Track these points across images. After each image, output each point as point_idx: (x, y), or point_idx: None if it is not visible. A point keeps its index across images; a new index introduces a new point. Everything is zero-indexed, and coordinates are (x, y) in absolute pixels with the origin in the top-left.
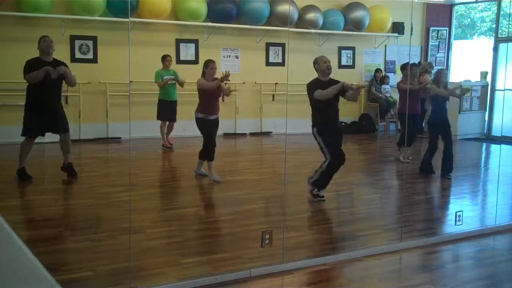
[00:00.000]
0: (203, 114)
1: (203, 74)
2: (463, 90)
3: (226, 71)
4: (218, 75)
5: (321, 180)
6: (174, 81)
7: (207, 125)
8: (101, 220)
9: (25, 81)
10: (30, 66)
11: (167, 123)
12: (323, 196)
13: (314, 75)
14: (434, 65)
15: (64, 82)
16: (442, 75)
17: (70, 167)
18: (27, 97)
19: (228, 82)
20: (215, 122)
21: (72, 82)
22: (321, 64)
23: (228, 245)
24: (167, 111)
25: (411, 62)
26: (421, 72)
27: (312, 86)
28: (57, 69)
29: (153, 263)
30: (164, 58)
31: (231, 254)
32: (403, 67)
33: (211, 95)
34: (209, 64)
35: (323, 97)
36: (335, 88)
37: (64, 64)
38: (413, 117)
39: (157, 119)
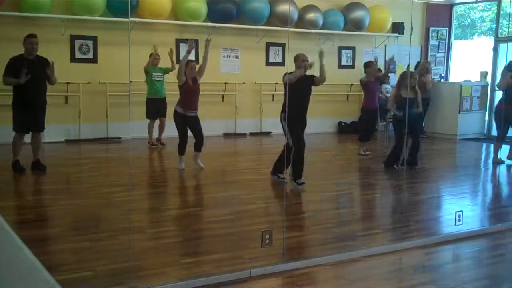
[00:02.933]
0: (181, 109)
1: (184, 73)
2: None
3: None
4: (218, 76)
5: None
6: (162, 78)
7: (185, 121)
8: (101, 220)
9: None
10: (12, 66)
11: (157, 121)
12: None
13: (313, 74)
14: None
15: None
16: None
17: (39, 163)
18: (13, 95)
19: (228, 82)
20: (194, 119)
21: (52, 81)
22: (299, 62)
23: (228, 245)
24: (156, 109)
25: (407, 63)
26: (421, 73)
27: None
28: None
29: (153, 263)
30: (151, 56)
31: (231, 254)
32: (367, 65)
33: (189, 91)
34: (189, 64)
35: (290, 80)
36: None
37: (46, 60)
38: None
39: (147, 117)
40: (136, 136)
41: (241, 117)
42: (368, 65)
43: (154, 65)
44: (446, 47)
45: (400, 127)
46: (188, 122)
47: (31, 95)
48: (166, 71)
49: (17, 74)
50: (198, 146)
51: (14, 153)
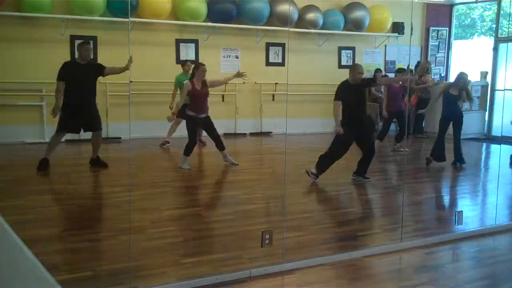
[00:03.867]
0: (193, 112)
1: (193, 76)
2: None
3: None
4: (218, 76)
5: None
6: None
7: (197, 123)
8: (101, 220)
9: (27, 81)
10: (64, 70)
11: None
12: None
13: (313, 74)
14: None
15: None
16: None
17: (99, 160)
18: (64, 98)
19: (228, 82)
20: (207, 119)
21: (118, 72)
22: (355, 74)
23: (228, 245)
24: (184, 111)
25: (407, 63)
26: (421, 73)
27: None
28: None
29: (153, 263)
30: (184, 64)
31: (231, 254)
32: (400, 71)
33: (196, 95)
34: (200, 67)
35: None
36: None
37: (99, 65)
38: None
39: (177, 117)
40: (136, 136)
41: (241, 117)
42: (399, 71)
43: (185, 73)
44: (446, 47)
45: (444, 125)
46: (200, 124)
47: (82, 99)
48: None
49: (69, 78)
50: (219, 145)
51: (48, 150)
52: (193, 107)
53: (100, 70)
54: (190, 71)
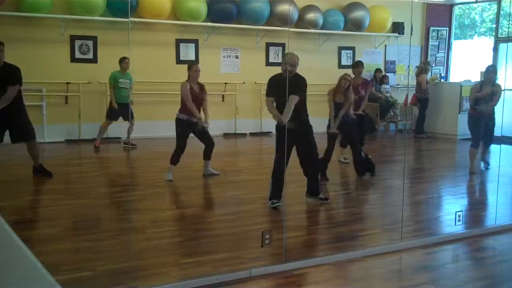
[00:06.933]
0: (184, 115)
1: (188, 77)
2: None
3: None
4: (218, 76)
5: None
6: (128, 86)
7: (190, 127)
8: (101, 220)
9: (27, 81)
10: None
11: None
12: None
13: (313, 74)
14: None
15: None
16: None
17: (42, 168)
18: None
19: (228, 82)
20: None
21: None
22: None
23: (228, 245)
24: (119, 112)
25: (407, 63)
26: (418, 72)
27: None
28: None
29: (153, 263)
30: (122, 61)
31: (231, 254)
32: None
33: (196, 98)
34: (192, 67)
35: None
36: None
37: (15, 68)
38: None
39: (107, 118)
40: (136, 136)
41: (241, 117)
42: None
43: (122, 71)
44: (446, 47)
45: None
46: (193, 128)
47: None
48: (132, 81)
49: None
50: (209, 153)
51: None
52: (186, 109)
53: None
54: (128, 70)
